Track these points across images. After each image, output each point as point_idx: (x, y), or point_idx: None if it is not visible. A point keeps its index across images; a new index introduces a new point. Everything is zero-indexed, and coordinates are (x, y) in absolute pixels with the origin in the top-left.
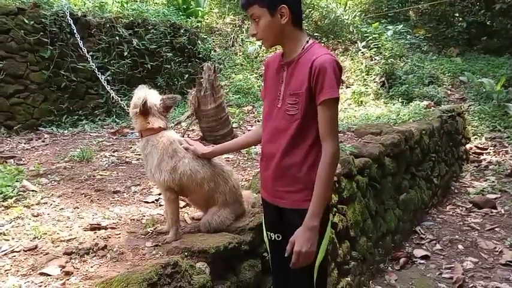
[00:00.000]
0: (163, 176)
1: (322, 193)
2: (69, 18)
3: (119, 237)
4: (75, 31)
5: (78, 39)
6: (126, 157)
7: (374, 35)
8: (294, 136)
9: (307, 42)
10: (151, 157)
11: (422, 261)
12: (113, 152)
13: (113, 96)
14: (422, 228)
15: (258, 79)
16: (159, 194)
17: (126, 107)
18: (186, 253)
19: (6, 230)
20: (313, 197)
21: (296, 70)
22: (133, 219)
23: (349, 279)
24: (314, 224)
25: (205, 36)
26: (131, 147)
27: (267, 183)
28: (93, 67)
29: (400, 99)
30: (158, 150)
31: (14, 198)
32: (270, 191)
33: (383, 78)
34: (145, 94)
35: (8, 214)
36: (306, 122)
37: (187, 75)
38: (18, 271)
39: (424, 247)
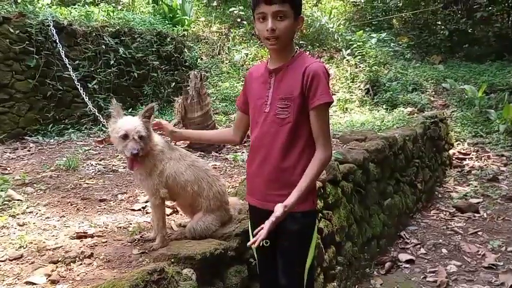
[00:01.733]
0: (154, 180)
1: (304, 192)
2: (52, 28)
3: (106, 245)
4: (57, 42)
5: (60, 49)
6: (113, 165)
7: (358, 43)
8: (286, 140)
9: (296, 51)
10: (144, 167)
11: (407, 266)
12: (100, 160)
13: (100, 105)
14: (407, 232)
15: None
16: (146, 202)
17: (103, 121)
18: (172, 259)
19: None
20: (293, 193)
21: (286, 76)
22: (120, 227)
23: (335, 284)
24: (282, 217)
25: (191, 45)
26: (118, 156)
27: (256, 188)
28: (73, 77)
29: (384, 106)
30: (151, 159)
31: None
32: (261, 196)
33: (367, 86)
34: (122, 126)
35: None
36: (297, 126)
37: (173, 84)
38: (3, 280)
39: (409, 251)
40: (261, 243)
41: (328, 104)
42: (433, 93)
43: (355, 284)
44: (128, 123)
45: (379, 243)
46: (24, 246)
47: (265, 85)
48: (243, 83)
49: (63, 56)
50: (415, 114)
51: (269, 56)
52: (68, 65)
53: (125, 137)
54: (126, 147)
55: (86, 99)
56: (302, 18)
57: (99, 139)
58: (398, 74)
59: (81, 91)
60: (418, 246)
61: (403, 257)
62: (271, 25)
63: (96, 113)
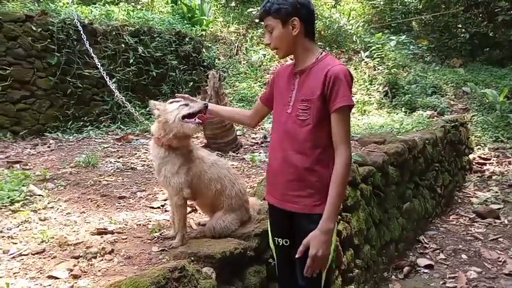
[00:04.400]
0: (180, 179)
1: (337, 197)
2: (77, 22)
3: (126, 241)
4: (83, 36)
5: (87, 44)
6: (131, 163)
7: (377, 45)
8: (306, 141)
9: (321, 53)
10: (171, 163)
11: (426, 271)
12: (118, 158)
13: (119, 103)
14: (425, 237)
15: (261, 87)
16: (165, 200)
17: (134, 112)
18: (192, 258)
19: (14, 233)
20: (328, 200)
21: (309, 78)
22: (140, 224)
23: (353, 287)
24: (330, 227)
25: (209, 45)
26: (136, 154)
27: (276, 188)
28: (101, 72)
29: (403, 108)
30: (180, 157)
31: (21, 202)
32: (279, 195)
33: (386, 88)
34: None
35: (15, 218)
36: (317, 128)
37: (191, 83)
38: (26, 274)
39: (428, 256)
40: (281, 242)
41: (349, 107)
42: (453, 96)
43: (373, 287)
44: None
45: (398, 247)
46: (46, 241)
47: (289, 86)
48: (260, 84)
49: (90, 51)
50: (435, 117)
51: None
52: (94, 58)
53: (185, 105)
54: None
55: (117, 93)
56: (296, 21)
57: (118, 137)
58: (418, 77)
59: (110, 84)
60: (437, 251)
61: (422, 261)
62: (265, 40)
63: (125, 102)
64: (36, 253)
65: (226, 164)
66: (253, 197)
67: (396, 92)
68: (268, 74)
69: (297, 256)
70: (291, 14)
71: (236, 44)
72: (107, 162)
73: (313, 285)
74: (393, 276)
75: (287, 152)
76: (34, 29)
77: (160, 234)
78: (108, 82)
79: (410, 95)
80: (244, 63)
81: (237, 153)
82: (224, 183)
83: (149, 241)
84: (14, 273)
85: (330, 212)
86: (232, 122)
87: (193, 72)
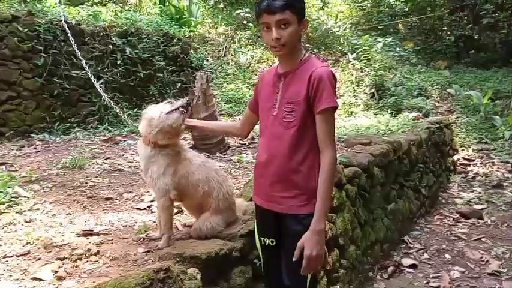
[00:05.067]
0: (167, 180)
1: (325, 197)
2: (64, 23)
3: (112, 243)
4: (70, 37)
5: (73, 44)
6: (118, 164)
7: (364, 47)
8: (291, 142)
9: (304, 55)
10: (158, 164)
11: (410, 270)
12: (105, 159)
13: (106, 104)
14: (410, 237)
15: (249, 89)
16: (151, 201)
17: (121, 113)
18: (178, 259)
19: None
20: (317, 201)
21: (293, 80)
22: (126, 226)
23: (338, 287)
24: (321, 227)
25: (197, 46)
26: (123, 155)
27: (262, 188)
28: (88, 73)
29: (389, 110)
30: (167, 158)
31: (6, 204)
32: (266, 196)
33: (373, 90)
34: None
35: (0, 220)
36: (302, 129)
37: (179, 84)
38: (11, 275)
39: (412, 256)
40: (267, 242)
41: (333, 109)
42: (438, 98)
43: (358, 287)
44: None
45: (383, 248)
46: (31, 243)
47: (274, 88)
48: (248, 85)
49: (76, 52)
50: (420, 119)
51: (278, 60)
52: (81, 60)
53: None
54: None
55: (102, 94)
56: (306, 21)
57: (105, 138)
58: (404, 79)
59: (97, 85)
60: (422, 251)
61: (406, 261)
62: (275, 34)
63: (114, 105)
64: (21, 255)
65: (215, 166)
66: (240, 198)
67: (382, 94)
68: (256, 75)
69: (294, 259)
70: (304, 13)
71: (224, 46)
72: (93, 163)
73: (298, 285)
74: (378, 276)
75: (273, 153)
76: (20, 29)
77: (146, 235)
78: (94, 83)
79: (396, 97)
80: (232, 65)
81: (224, 154)
82: (212, 185)
83: (135, 242)
84: None
85: (320, 212)
86: (226, 135)
87: (181, 73)
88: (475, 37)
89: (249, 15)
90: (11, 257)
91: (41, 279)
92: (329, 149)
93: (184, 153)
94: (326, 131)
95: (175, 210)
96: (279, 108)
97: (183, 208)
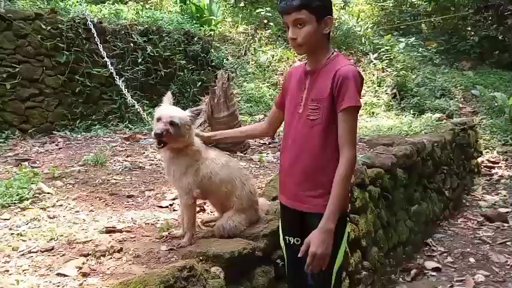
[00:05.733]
0: (189, 179)
1: (338, 197)
2: (89, 21)
3: (134, 240)
4: (94, 35)
5: (98, 43)
6: (140, 162)
7: (386, 47)
8: (317, 141)
9: (332, 53)
10: (178, 164)
11: (433, 273)
12: (126, 157)
13: (126, 102)
14: (433, 240)
15: (269, 88)
16: (173, 199)
17: (141, 112)
18: (201, 257)
19: (23, 231)
20: (329, 200)
21: (319, 78)
22: (148, 223)
23: None
24: (330, 227)
25: (218, 45)
26: (144, 153)
27: (287, 187)
28: (112, 71)
29: (411, 111)
30: (186, 158)
31: (30, 200)
32: (290, 195)
33: (394, 90)
34: (160, 110)
35: (24, 215)
36: (327, 128)
37: (200, 83)
38: (35, 271)
39: (435, 259)
40: (292, 241)
41: (355, 108)
42: (462, 99)
43: None
44: (166, 109)
45: (405, 250)
46: (55, 239)
47: (300, 86)
48: (268, 85)
49: (100, 49)
50: (444, 120)
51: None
52: (105, 57)
53: (158, 119)
54: (156, 127)
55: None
56: (330, 19)
57: (126, 136)
58: (426, 80)
59: (119, 82)
60: (445, 254)
61: (430, 264)
62: (291, 34)
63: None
64: (45, 250)
65: (238, 165)
66: (262, 197)
67: (404, 94)
68: (276, 74)
69: (299, 255)
70: (326, 12)
71: (244, 45)
72: (115, 161)
73: (322, 286)
74: (400, 279)
75: (298, 152)
76: (43, 27)
77: (169, 233)
78: (117, 81)
79: (418, 98)
80: (252, 64)
81: (244, 154)
82: (235, 184)
83: (157, 240)
84: (24, 270)
85: (330, 212)
86: (252, 139)
87: (202, 72)
88: (499, 38)
89: (270, 14)
90: (36, 252)
91: (65, 275)
92: (347, 149)
93: (206, 153)
94: (346, 130)
95: (197, 209)
96: (304, 106)
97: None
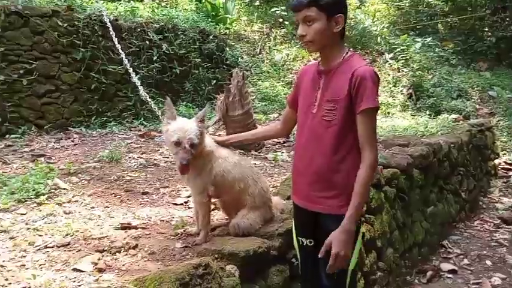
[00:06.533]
0: (203, 178)
1: (360, 199)
2: (106, 18)
3: (149, 237)
4: (111, 32)
5: (115, 40)
6: (154, 159)
7: (402, 47)
8: (331, 142)
9: (347, 53)
10: (192, 165)
11: (449, 276)
12: (141, 154)
13: (141, 99)
14: (449, 242)
15: (284, 87)
16: (188, 197)
17: (156, 109)
18: (216, 255)
19: (40, 226)
20: (351, 202)
21: (335, 78)
22: (163, 220)
23: None
24: (351, 228)
25: (233, 43)
26: (159, 150)
27: (301, 188)
28: (128, 67)
29: (427, 111)
30: (200, 159)
31: (46, 195)
32: (304, 196)
33: (410, 90)
34: (175, 130)
35: (40, 211)
36: (343, 129)
37: (214, 81)
38: (52, 266)
39: (452, 261)
40: (305, 242)
41: (374, 109)
42: (479, 100)
43: None
44: (181, 128)
45: (421, 251)
46: (71, 234)
47: (314, 85)
48: (283, 83)
49: (117, 46)
50: (461, 121)
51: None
52: (121, 53)
53: (177, 144)
54: (177, 155)
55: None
56: (341, 17)
57: (141, 133)
58: (443, 80)
59: (135, 79)
60: (461, 256)
61: (446, 266)
62: (300, 31)
63: (151, 102)
64: (62, 246)
65: (249, 163)
66: (277, 196)
67: (420, 95)
68: (291, 73)
69: (319, 256)
70: (337, 10)
71: (259, 43)
72: (130, 157)
73: (338, 286)
74: (416, 280)
75: (312, 152)
76: (60, 24)
77: (184, 230)
78: (133, 78)
79: (435, 98)
80: (267, 63)
81: (259, 152)
82: (247, 182)
83: (172, 237)
84: (40, 265)
85: (351, 213)
86: (268, 140)
87: (217, 70)
88: None
89: (285, 13)
90: (52, 247)
91: (81, 271)
92: (369, 151)
93: (219, 152)
94: (367, 131)
95: (212, 207)
96: (319, 106)
97: (220, 207)
